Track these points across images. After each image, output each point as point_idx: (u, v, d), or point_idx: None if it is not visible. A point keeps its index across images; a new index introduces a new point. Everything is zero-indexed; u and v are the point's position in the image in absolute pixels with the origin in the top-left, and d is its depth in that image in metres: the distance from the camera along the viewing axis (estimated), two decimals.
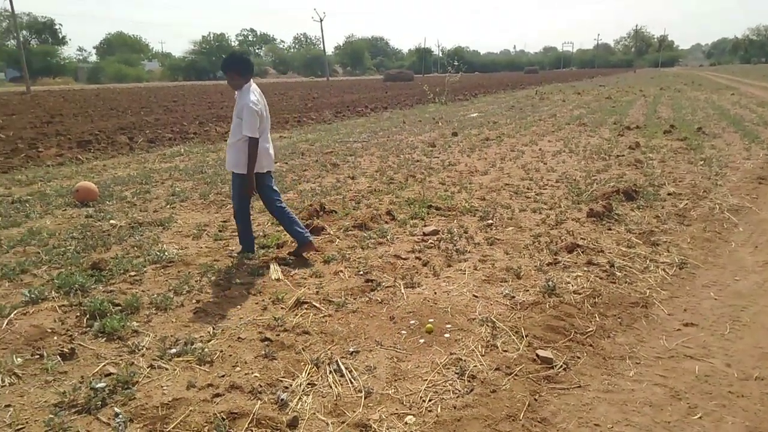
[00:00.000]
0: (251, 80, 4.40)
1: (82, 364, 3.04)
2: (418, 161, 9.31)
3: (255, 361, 3.07)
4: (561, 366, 3.03)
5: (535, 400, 2.74)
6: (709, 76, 50.02)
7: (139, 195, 7.05)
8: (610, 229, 5.38)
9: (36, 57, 66.06)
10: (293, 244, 4.98)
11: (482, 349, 3.20)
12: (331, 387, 2.84)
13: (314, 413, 2.63)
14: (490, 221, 5.61)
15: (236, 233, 4.87)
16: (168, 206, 6.48)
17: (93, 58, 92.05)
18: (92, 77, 70.70)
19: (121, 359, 3.09)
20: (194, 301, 3.84)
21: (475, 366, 3.02)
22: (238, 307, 3.79)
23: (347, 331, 3.43)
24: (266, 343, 3.26)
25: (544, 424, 2.56)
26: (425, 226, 5.50)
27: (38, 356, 3.09)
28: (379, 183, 7.63)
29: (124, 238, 5.20)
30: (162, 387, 2.82)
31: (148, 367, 2.99)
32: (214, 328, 3.45)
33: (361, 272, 4.34)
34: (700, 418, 2.61)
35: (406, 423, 2.56)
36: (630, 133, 12.14)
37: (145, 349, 3.19)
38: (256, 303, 3.84)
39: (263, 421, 2.55)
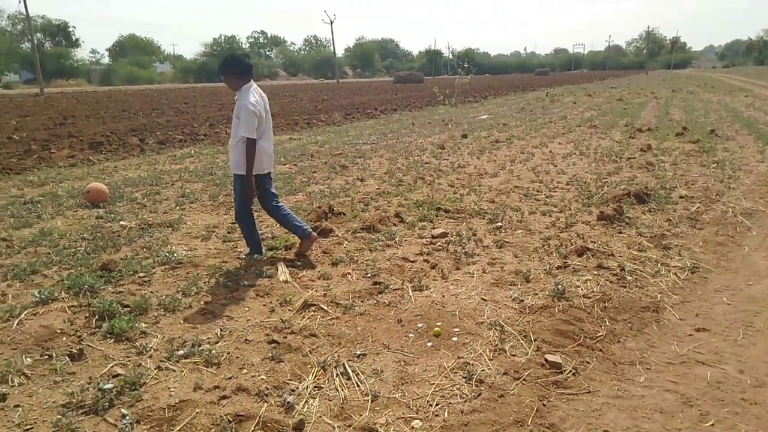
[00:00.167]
0: (251, 81, 4.38)
1: (91, 364, 3.05)
2: (427, 163, 9.29)
3: (262, 364, 3.07)
4: (570, 371, 2.99)
5: (544, 405, 2.71)
6: (722, 78, 49.53)
7: (149, 196, 7.09)
8: (620, 233, 5.33)
9: (50, 59, 66.84)
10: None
11: (490, 353, 3.17)
12: (337, 390, 2.83)
13: (320, 416, 2.62)
14: (499, 224, 5.58)
15: None
16: (177, 207, 6.51)
17: (105, 60, 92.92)
18: (105, 79, 71.33)
19: (129, 360, 3.10)
20: (202, 302, 3.85)
21: (483, 370, 2.99)
22: (246, 308, 3.79)
23: (354, 334, 3.42)
24: (273, 345, 3.26)
25: (552, 430, 2.53)
26: (434, 228, 5.48)
27: (47, 357, 3.11)
28: (387, 185, 7.61)
29: (134, 240, 5.23)
30: (169, 388, 2.82)
31: (155, 369, 3.00)
32: (221, 330, 3.45)
33: (369, 275, 4.33)
34: (712, 425, 2.57)
35: (412, 427, 2.54)
36: (641, 136, 12.04)
37: (152, 350, 3.20)
38: (264, 305, 3.84)
39: (269, 424, 2.54)
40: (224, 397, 2.75)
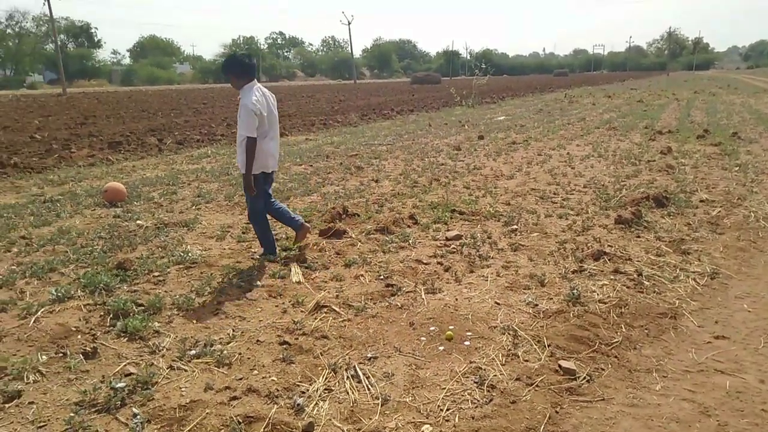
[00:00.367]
0: (254, 80, 4.40)
1: (104, 363, 3.08)
2: (442, 165, 9.24)
3: (273, 365, 3.07)
4: (584, 378, 2.94)
5: (557, 412, 2.67)
6: (745, 80, 48.63)
7: (165, 196, 7.15)
8: (638, 237, 5.24)
9: (72, 60, 68.06)
10: (315, 246, 4.99)
11: (503, 358, 3.13)
12: (348, 393, 2.81)
13: (330, 419, 2.61)
14: (515, 227, 5.53)
15: None
16: (193, 207, 6.56)
17: (126, 60, 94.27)
18: (125, 79, 72.42)
19: (142, 359, 3.12)
20: (215, 302, 3.87)
21: (495, 375, 2.95)
22: (259, 309, 3.79)
23: (366, 337, 3.40)
24: (285, 346, 3.26)
25: None
26: (448, 230, 5.44)
27: (62, 354, 3.14)
28: (402, 186, 7.59)
29: (150, 239, 5.28)
30: (180, 388, 2.83)
31: (167, 368, 3.02)
32: (233, 330, 3.46)
33: (382, 277, 4.31)
34: None
35: None
36: (662, 138, 11.85)
37: (165, 349, 3.22)
38: (276, 306, 3.85)
39: (279, 426, 2.54)
40: (234, 398, 2.75)
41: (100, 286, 4.00)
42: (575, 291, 3.91)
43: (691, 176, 7.89)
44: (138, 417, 2.56)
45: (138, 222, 5.89)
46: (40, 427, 2.54)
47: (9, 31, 65.02)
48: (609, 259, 4.60)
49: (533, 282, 4.19)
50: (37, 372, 2.96)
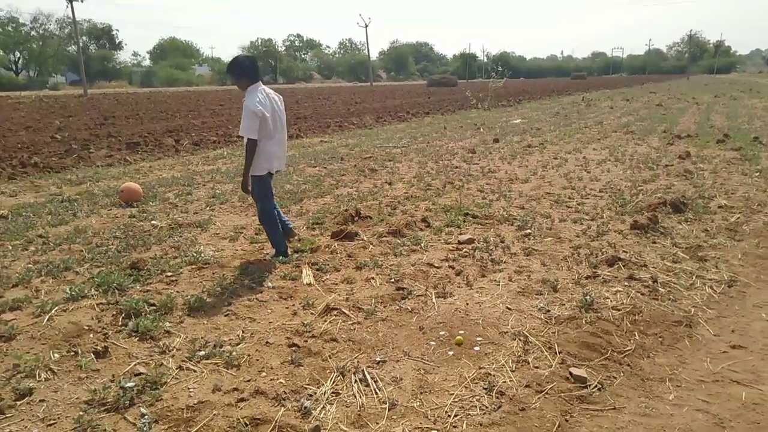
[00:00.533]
0: (258, 82, 4.42)
1: (114, 362, 3.10)
2: (457, 168, 9.20)
3: (281, 367, 3.07)
4: (595, 386, 2.89)
5: (566, 420, 2.63)
6: None
7: (181, 196, 7.22)
8: (654, 243, 5.16)
9: (94, 61, 69.09)
10: (327, 248, 5.00)
11: (513, 365, 3.10)
12: (355, 397, 2.80)
13: (337, 423, 2.60)
14: (528, 231, 5.47)
15: None
16: (207, 208, 6.61)
17: (146, 62, 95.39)
18: (145, 81, 73.30)
19: (152, 359, 3.14)
20: (226, 303, 3.88)
21: (504, 382, 2.92)
22: (269, 311, 3.80)
23: (375, 340, 3.39)
24: (293, 348, 3.26)
25: None
26: (461, 234, 5.41)
27: (74, 353, 3.18)
28: (416, 189, 7.57)
29: (164, 239, 5.32)
30: (189, 389, 2.84)
31: (176, 369, 3.03)
32: (243, 332, 3.47)
33: (393, 280, 4.29)
34: None
35: None
36: (680, 142, 11.68)
37: (175, 350, 3.24)
38: (287, 307, 3.85)
39: (285, 429, 2.53)
40: (242, 400, 2.75)
41: (114, 286, 4.05)
42: (588, 297, 3.85)
43: (709, 181, 7.76)
44: (146, 417, 2.58)
45: (153, 222, 5.94)
46: (50, 425, 2.57)
47: (33, 33, 66.26)
48: (624, 265, 4.53)
49: (546, 287, 4.15)
50: (48, 370, 3.00)
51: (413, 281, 4.27)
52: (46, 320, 3.56)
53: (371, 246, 5.10)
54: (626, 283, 4.21)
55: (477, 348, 3.28)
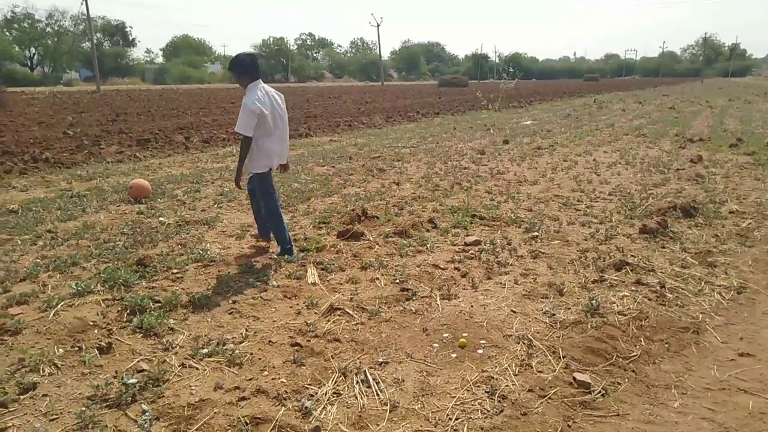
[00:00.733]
0: (258, 80, 4.44)
1: (118, 358, 3.11)
2: (465, 169, 9.17)
3: (283, 366, 3.06)
4: (599, 391, 2.86)
5: (569, 426, 2.60)
6: None
7: (189, 194, 7.25)
8: (663, 247, 5.10)
9: (107, 58, 69.63)
10: (332, 247, 4.99)
11: (516, 368, 3.07)
12: (356, 398, 2.79)
13: (337, 424, 2.59)
14: (536, 233, 5.44)
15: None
16: (215, 206, 6.63)
17: (159, 59, 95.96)
18: (158, 78, 73.81)
19: (155, 356, 3.15)
20: (230, 301, 3.89)
21: (507, 386, 2.90)
22: (273, 309, 3.80)
23: (378, 341, 3.37)
24: (296, 348, 3.25)
25: None
26: (467, 235, 5.38)
27: (78, 348, 3.19)
28: (423, 189, 7.55)
29: (171, 236, 5.35)
30: (190, 387, 2.85)
31: (179, 366, 3.04)
32: (246, 330, 3.47)
33: (398, 280, 4.28)
34: None
35: None
36: (692, 146, 11.56)
37: (178, 347, 3.25)
38: (290, 306, 3.85)
39: (285, 429, 2.53)
40: (243, 399, 2.75)
41: (120, 282, 4.07)
42: (594, 301, 3.82)
43: (721, 186, 7.67)
44: (147, 414, 2.58)
45: (160, 219, 5.97)
46: (52, 419, 2.58)
47: (48, 29, 66.90)
48: (631, 270, 4.49)
49: (552, 291, 4.11)
50: (52, 365, 3.01)
51: (418, 282, 4.26)
52: (51, 315, 3.59)
53: (377, 246, 5.09)
54: (633, 288, 4.16)
55: (480, 351, 3.26)
